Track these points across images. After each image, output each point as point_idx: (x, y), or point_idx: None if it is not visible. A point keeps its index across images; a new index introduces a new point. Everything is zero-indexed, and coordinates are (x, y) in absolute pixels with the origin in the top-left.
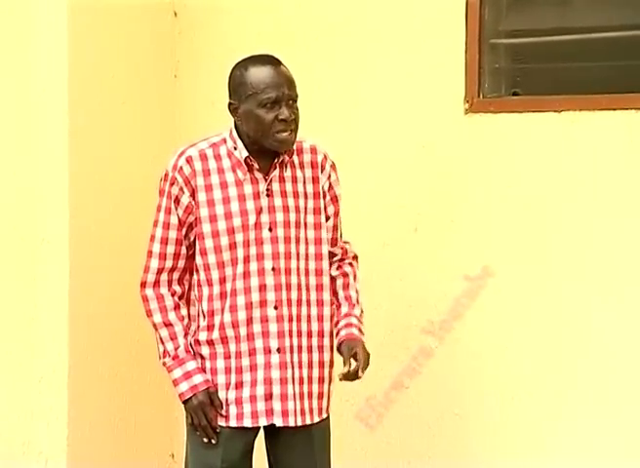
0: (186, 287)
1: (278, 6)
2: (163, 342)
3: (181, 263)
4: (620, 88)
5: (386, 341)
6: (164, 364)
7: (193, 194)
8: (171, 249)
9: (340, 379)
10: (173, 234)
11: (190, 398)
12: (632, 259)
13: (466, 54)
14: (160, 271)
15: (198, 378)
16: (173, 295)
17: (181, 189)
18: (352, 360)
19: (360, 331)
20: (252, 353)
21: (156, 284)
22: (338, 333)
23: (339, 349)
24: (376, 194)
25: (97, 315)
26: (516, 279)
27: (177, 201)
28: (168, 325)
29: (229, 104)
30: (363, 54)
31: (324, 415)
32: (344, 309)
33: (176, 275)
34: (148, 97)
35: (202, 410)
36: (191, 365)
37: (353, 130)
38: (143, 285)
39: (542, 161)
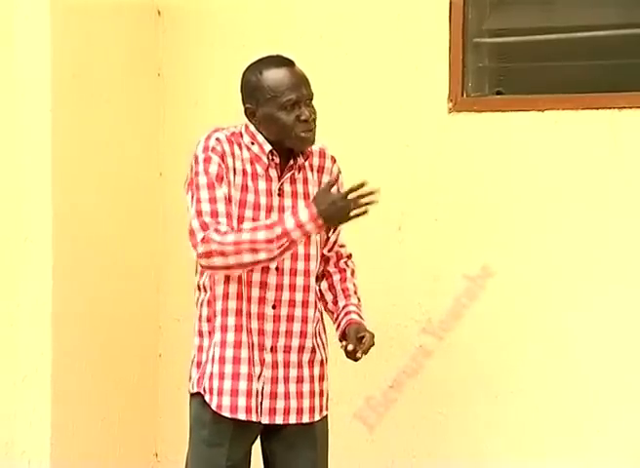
0: None
1: (262, 5)
2: (256, 238)
3: (232, 222)
4: (603, 87)
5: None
6: (279, 237)
7: (227, 169)
8: (221, 207)
9: (347, 354)
10: (220, 193)
11: (318, 211)
12: (621, 256)
13: (450, 53)
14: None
15: (300, 205)
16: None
17: (220, 165)
18: (357, 342)
19: (359, 316)
20: (251, 347)
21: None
22: (338, 325)
23: (342, 336)
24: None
25: (80, 314)
26: (507, 278)
27: (219, 178)
28: (240, 231)
29: (246, 109)
30: (346, 54)
31: (324, 413)
32: (341, 302)
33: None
34: (132, 95)
35: (335, 202)
36: (285, 215)
37: (336, 129)
38: (202, 240)
39: (526, 160)
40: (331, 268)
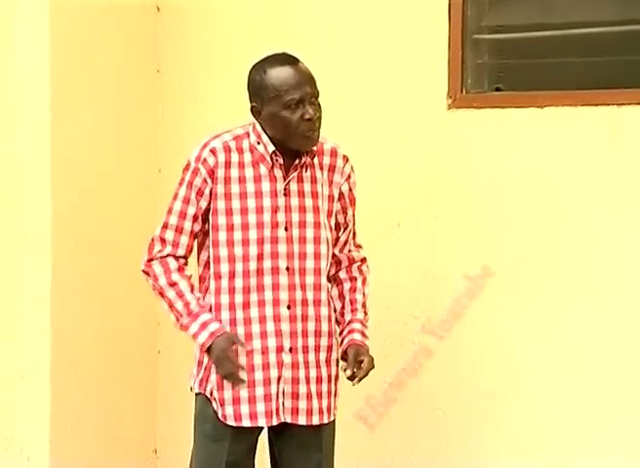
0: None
1: (261, 2)
2: (173, 304)
3: (189, 254)
4: (602, 84)
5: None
6: (181, 326)
7: (216, 185)
8: (184, 239)
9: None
10: (188, 225)
11: (211, 346)
12: (621, 253)
13: (449, 49)
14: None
15: (215, 326)
16: (176, 261)
17: (205, 181)
18: (356, 366)
19: (363, 334)
20: (264, 351)
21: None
22: (342, 341)
23: (343, 355)
24: (359, 189)
25: (79, 311)
26: (507, 276)
27: (200, 193)
28: (173, 284)
29: (252, 107)
30: (346, 50)
31: (332, 416)
32: (347, 316)
33: (181, 260)
34: (131, 92)
35: (226, 356)
36: (205, 316)
37: (336, 126)
38: (148, 261)
39: (525, 156)
40: (342, 274)
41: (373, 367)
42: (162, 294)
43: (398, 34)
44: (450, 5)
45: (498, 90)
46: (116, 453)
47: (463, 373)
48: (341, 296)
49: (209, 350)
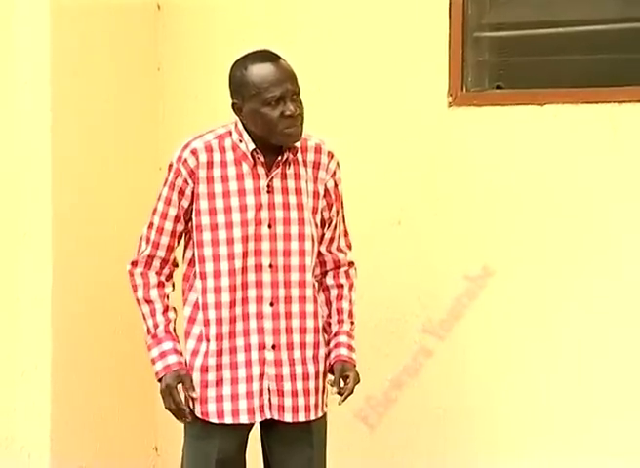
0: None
1: (261, 0)
2: (145, 319)
3: (171, 254)
4: (603, 81)
5: (366, 335)
6: (146, 343)
7: (197, 185)
8: (164, 239)
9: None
10: (169, 226)
11: (162, 378)
12: (621, 253)
13: (450, 47)
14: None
15: (172, 358)
16: (158, 275)
17: (186, 181)
18: (342, 382)
19: (350, 348)
20: (247, 349)
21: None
22: (328, 354)
23: (330, 370)
24: (359, 188)
25: (79, 309)
26: (506, 274)
27: (181, 192)
28: (148, 301)
29: (233, 104)
30: (346, 48)
31: (321, 413)
32: (334, 327)
33: (166, 267)
34: (132, 90)
35: (169, 392)
36: (167, 345)
37: (336, 124)
38: (132, 266)
39: (525, 154)
40: (329, 280)
41: (358, 381)
42: (138, 305)
43: (399, 32)
44: (450, 3)
45: (498, 87)
46: (117, 451)
47: (464, 373)
48: (328, 303)
49: (160, 380)
